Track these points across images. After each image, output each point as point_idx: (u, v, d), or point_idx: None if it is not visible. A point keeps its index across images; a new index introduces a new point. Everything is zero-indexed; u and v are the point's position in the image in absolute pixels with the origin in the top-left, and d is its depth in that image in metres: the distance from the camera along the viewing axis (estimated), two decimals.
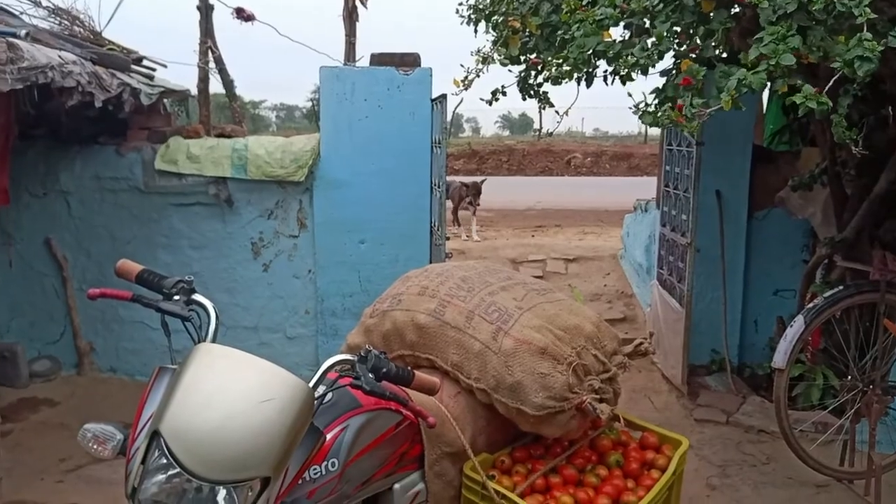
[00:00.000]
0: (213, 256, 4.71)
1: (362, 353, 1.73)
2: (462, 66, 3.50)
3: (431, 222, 4.62)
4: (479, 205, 10.36)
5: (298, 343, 4.78)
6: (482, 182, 10.50)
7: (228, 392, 1.47)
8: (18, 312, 4.86)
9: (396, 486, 1.99)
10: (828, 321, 3.49)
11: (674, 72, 2.81)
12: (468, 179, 10.59)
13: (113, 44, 4.57)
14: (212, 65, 5.15)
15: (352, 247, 4.59)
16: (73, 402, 4.43)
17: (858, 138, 2.39)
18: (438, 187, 4.68)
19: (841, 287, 3.49)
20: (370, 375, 1.69)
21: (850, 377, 3.45)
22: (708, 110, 2.30)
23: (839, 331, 3.60)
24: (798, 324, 3.36)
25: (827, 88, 2.16)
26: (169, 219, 4.71)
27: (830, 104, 2.15)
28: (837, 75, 2.14)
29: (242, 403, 1.45)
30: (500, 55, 3.59)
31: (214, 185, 4.56)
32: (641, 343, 2.34)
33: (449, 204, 9.61)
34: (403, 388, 1.81)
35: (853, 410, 3.41)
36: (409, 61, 4.31)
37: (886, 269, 3.61)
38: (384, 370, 1.71)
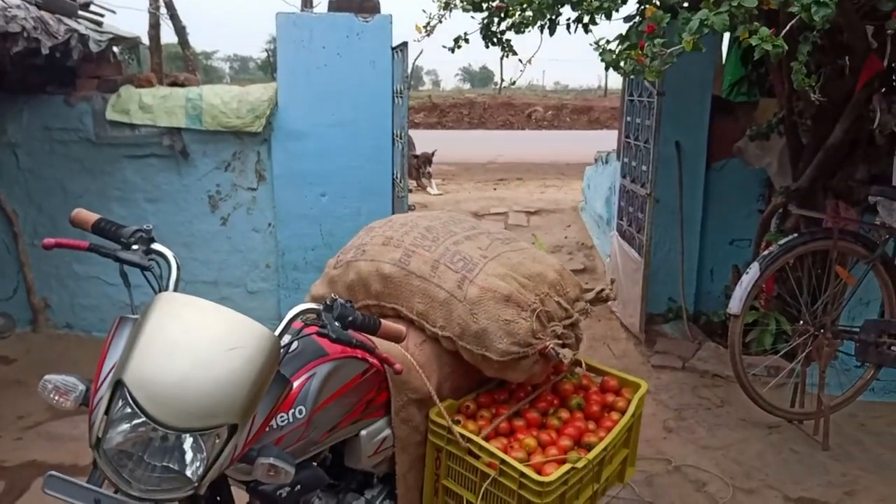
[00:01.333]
0: (170, 210, 4.61)
1: (328, 302, 1.72)
2: (424, 11, 3.44)
3: (393, 174, 4.58)
4: (430, 173, 10.46)
5: (260, 297, 4.74)
6: (433, 153, 10.56)
7: (193, 340, 1.45)
8: None
9: (363, 432, 2.01)
10: (781, 268, 3.59)
11: (637, 18, 2.80)
12: (418, 152, 10.63)
13: None
14: (163, 10, 4.96)
15: (312, 199, 4.53)
16: (29, 359, 4.35)
17: (816, 86, 2.42)
18: (400, 139, 4.64)
19: (795, 235, 3.58)
20: (336, 324, 1.69)
21: (801, 322, 3.57)
22: (669, 50, 2.30)
23: (792, 278, 3.71)
24: (753, 271, 3.44)
25: (784, 33, 2.17)
26: (122, 171, 4.58)
27: (786, 47, 2.17)
28: (795, 20, 2.16)
29: (208, 352, 1.44)
30: (462, 1, 3.53)
31: (168, 136, 4.44)
32: (603, 289, 2.37)
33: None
34: (369, 336, 1.82)
35: (804, 354, 3.54)
36: (368, 7, 4.21)
37: (839, 217, 3.72)
38: (350, 318, 1.71)
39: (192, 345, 1.44)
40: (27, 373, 4.12)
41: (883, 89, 3.70)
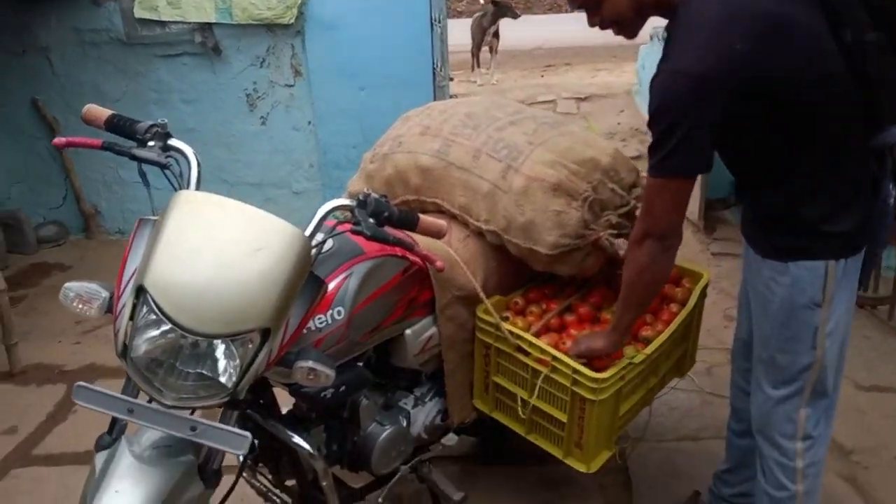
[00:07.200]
0: (207, 110, 4.51)
1: (361, 198, 1.60)
2: None
3: (433, 63, 4.35)
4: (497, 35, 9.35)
5: (305, 198, 4.68)
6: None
7: (216, 241, 1.35)
8: (16, 179, 4.75)
9: (408, 331, 1.93)
10: None
11: None
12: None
13: None
14: None
15: (351, 94, 4.37)
16: (84, 266, 4.43)
17: None
18: (439, 23, 4.37)
19: None
20: (371, 220, 1.57)
21: None
22: None
23: None
24: None
25: None
26: (156, 72, 4.47)
27: None
28: None
29: (234, 253, 1.34)
30: None
31: (200, 33, 4.29)
32: None
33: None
34: (409, 233, 1.70)
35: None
36: None
37: None
38: (386, 214, 1.59)
39: (216, 246, 1.34)
40: (83, 279, 4.13)
41: None
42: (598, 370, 1.87)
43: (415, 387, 2.11)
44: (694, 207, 4.52)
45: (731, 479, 2.10)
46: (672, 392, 2.79)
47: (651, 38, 6.58)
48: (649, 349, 1.97)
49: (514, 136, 2.12)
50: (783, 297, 1.63)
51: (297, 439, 1.64)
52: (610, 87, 7.90)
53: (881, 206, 1.64)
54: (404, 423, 1.98)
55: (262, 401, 1.68)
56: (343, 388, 1.72)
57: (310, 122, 4.50)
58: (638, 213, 2.18)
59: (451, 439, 2.14)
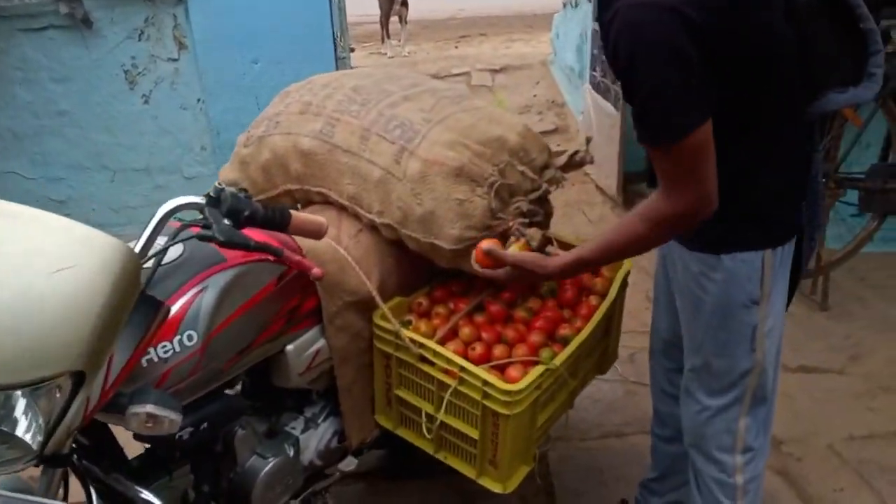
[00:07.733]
0: (82, 90, 4.02)
1: (212, 194, 1.30)
2: None
3: (333, 32, 4.00)
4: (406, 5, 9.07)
5: (199, 183, 4.27)
6: None
7: (4, 262, 1.03)
8: None
9: (289, 347, 1.63)
10: None
11: None
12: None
13: None
14: None
15: (244, 67, 3.97)
16: None
17: None
18: None
19: None
20: (226, 221, 1.27)
21: None
22: None
23: None
24: None
25: None
26: (20, 47, 3.94)
27: None
28: None
29: (25, 275, 1.02)
30: None
31: (65, 3, 3.78)
32: (577, 152, 1.95)
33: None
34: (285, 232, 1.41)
35: None
36: None
37: None
38: (246, 213, 1.30)
39: (2, 268, 1.02)
40: None
41: None
42: (510, 378, 1.65)
43: (305, 406, 1.83)
44: (611, 182, 4.36)
45: (659, 488, 1.92)
46: (593, 382, 2.60)
47: (564, 6, 6.38)
48: (568, 350, 1.75)
49: (408, 112, 1.84)
50: (717, 296, 1.42)
51: (146, 494, 1.34)
52: (525, 58, 7.67)
53: (813, 183, 1.46)
54: (291, 452, 1.69)
55: (100, 446, 1.37)
56: (205, 425, 1.42)
57: (199, 100, 4.09)
58: (554, 192, 1.95)
59: (349, 463, 1.88)
